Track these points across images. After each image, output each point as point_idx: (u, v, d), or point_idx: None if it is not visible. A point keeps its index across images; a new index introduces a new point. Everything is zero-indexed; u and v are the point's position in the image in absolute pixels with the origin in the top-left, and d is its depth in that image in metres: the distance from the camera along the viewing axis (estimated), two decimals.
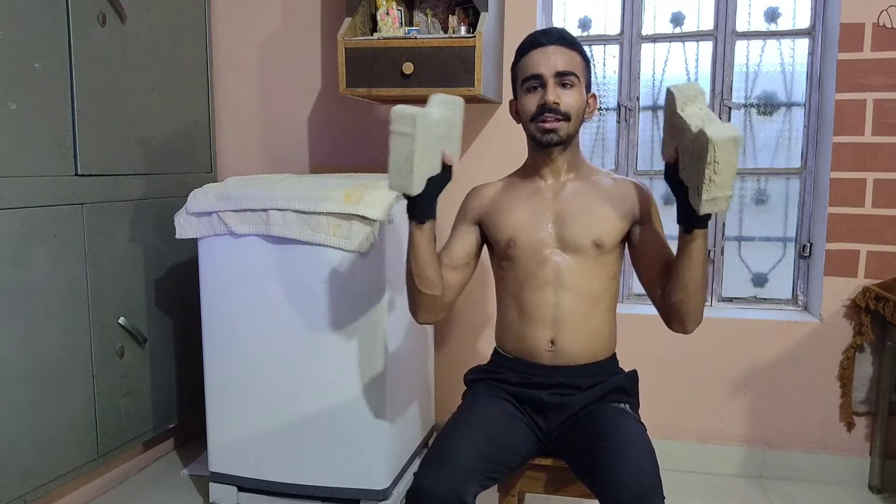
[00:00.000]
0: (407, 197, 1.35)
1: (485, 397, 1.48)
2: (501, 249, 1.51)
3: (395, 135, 1.27)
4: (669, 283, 1.38)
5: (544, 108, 1.43)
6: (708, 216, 1.25)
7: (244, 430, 2.04)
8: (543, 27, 2.43)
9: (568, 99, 1.44)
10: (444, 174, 1.37)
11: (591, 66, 1.53)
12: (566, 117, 1.44)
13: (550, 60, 1.43)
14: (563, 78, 1.44)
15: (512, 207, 1.51)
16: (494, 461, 1.35)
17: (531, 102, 1.45)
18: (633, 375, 1.54)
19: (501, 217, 1.52)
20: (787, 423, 2.30)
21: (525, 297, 1.48)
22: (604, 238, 1.45)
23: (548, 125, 1.43)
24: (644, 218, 1.48)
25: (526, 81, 1.46)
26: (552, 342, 1.46)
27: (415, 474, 1.29)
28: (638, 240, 1.48)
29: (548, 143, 1.46)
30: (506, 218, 1.51)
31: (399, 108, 1.27)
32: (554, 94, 1.43)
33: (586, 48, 1.55)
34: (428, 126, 1.28)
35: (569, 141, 1.48)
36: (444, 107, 1.35)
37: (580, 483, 1.42)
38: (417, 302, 1.48)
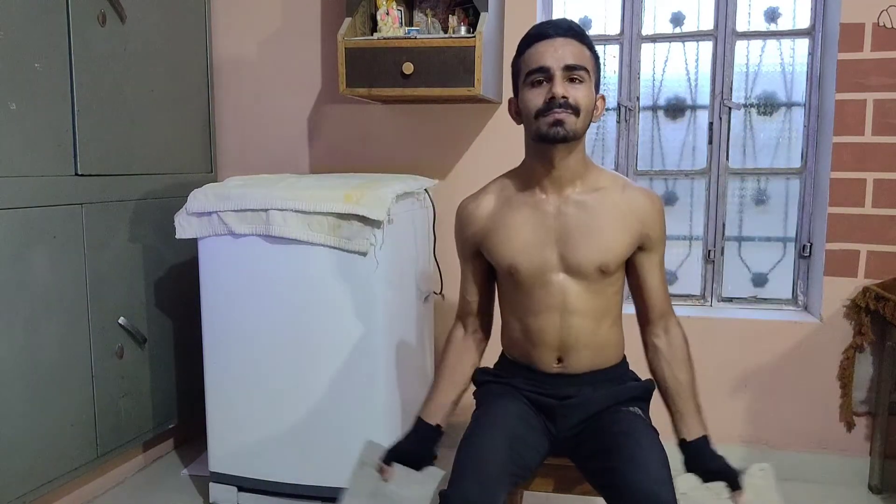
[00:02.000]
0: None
1: (501, 398, 1.46)
2: (503, 272, 1.46)
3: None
4: (655, 372, 1.46)
5: (552, 103, 1.29)
6: None
7: (244, 430, 2.04)
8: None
9: (577, 94, 1.30)
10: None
11: (601, 63, 1.41)
12: (575, 111, 1.30)
13: (559, 52, 1.30)
14: (571, 72, 1.30)
15: (511, 231, 1.41)
16: (519, 464, 1.33)
17: (537, 97, 1.31)
18: (650, 386, 1.51)
19: (500, 243, 1.42)
20: (787, 423, 2.30)
21: (530, 320, 1.43)
22: (609, 263, 1.38)
23: (557, 116, 1.29)
24: (649, 244, 1.41)
25: (531, 75, 1.32)
26: (559, 360, 1.44)
27: (445, 492, 1.26)
28: (638, 266, 1.44)
29: (554, 137, 1.30)
30: (505, 244, 1.41)
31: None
32: (562, 87, 1.29)
33: None
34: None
35: (575, 140, 1.33)
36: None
37: (586, 483, 1.42)
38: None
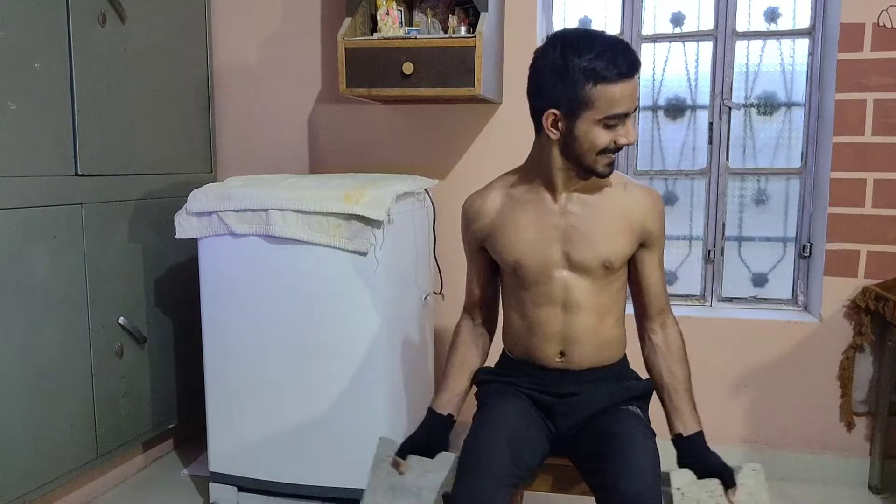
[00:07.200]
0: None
1: (503, 398, 1.47)
2: (508, 268, 1.47)
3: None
4: (652, 368, 1.48)
5: (615, 147, 1.32)
6: None
7: (244, 430, 2.04)
8: (544, 25, 2.43)
9: (633, 134, 1.34)
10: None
11: None
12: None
13: (634, 95, 1.30)
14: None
15: (516, 229, 1.42)
16: (521, 464, 1.35)
17: (605, 138, 1.29)
18: (650, 385, 1.51)
19: (506, 240, 1.43)
20: (787, 423, 2.30)
21: (533, 313, 1.45)
22: (613, 259, 1.40)
23: (613, 158, 1.34)
24: (650, 241, 1.43)
25: (610, 118, 1.28)
26: (562, 353, 1.45)
27: (449, 494, 1.29)
28: (638, 263, 1.45)
29: (606, 175, 1.36)
30: (510, 241, 1.43)
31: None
32: (634, 132, 1.32)
33: None
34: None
35: None
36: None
37: (584, 483, 1.42)
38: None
